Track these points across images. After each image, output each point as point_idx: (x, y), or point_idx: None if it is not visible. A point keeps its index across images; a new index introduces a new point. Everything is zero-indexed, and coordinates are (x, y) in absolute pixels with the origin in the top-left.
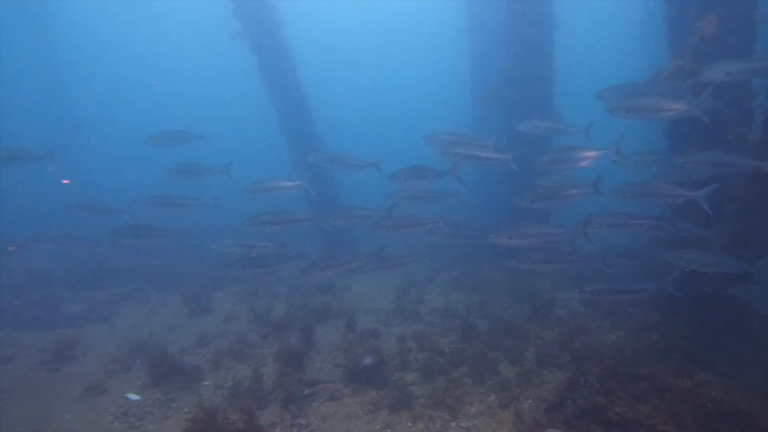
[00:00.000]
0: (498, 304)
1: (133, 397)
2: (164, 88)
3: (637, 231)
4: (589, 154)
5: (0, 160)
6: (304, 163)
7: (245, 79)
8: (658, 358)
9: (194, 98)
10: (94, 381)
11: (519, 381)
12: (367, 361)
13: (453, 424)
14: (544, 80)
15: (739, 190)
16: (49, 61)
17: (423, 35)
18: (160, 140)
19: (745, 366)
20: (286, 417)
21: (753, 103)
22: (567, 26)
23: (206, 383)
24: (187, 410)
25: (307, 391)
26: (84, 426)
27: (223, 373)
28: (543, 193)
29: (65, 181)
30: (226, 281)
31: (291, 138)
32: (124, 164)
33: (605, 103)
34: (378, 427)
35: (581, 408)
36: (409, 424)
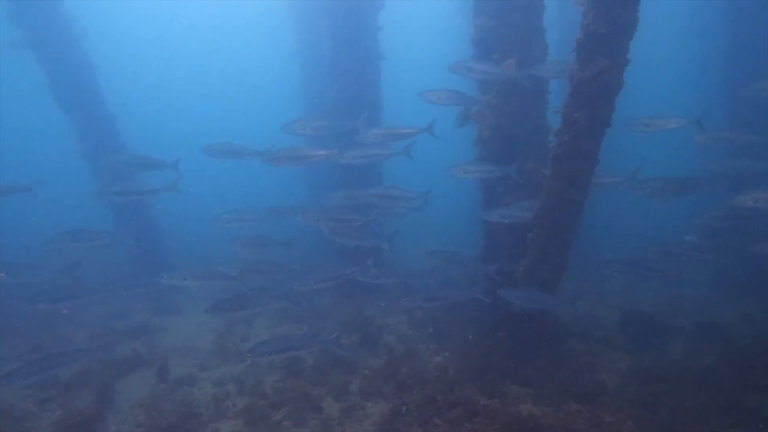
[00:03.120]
0: (327, 334)
1: None
2: None
3: None
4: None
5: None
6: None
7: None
8: (476, 377)
9: None
10: None
11: (342, 418)
12: None
13: None
14: (371, 109)
15: (538, 218)
16: None
17: (253, 56)
18: None
19: (553, 374)
20: None
21: (549, 137)
22: (394, 56)
23: None
24: None
25: None
26: None
27: None
28: None
29: None
30: None
31: (95, 164)
32: None
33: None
34: None
35: None
36: None
